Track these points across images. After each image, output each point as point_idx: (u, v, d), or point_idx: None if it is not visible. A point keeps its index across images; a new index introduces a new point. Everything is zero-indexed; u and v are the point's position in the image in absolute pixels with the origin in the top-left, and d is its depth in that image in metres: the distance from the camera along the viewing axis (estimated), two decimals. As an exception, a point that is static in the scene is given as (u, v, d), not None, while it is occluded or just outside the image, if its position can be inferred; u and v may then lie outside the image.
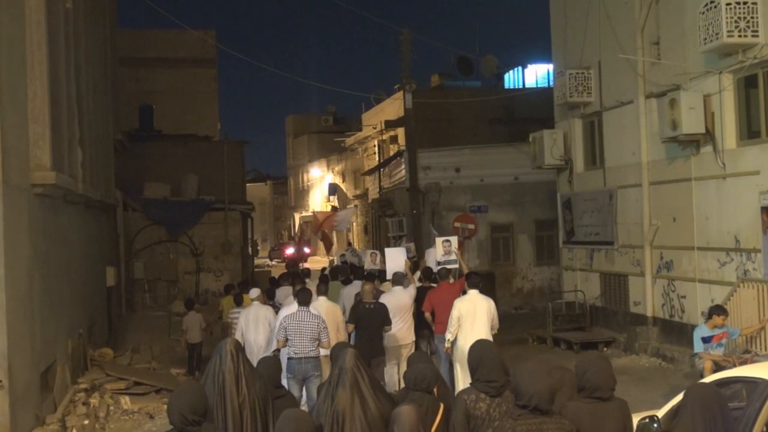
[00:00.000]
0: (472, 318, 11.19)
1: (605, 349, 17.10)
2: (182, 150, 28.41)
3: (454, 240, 15.93)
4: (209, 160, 28.48)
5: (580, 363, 5.20)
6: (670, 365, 14.92)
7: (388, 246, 21.38)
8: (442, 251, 15.48)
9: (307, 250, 46.10)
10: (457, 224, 22.96)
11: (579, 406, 5.05)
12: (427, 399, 5.87)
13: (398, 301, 12.61)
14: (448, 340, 11.31)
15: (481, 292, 11.48)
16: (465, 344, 11.15)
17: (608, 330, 17.93)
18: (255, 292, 12.97)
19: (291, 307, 10.69)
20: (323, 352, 10.16)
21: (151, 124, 31.22)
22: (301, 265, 27.12)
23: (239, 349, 5.89)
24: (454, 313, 11.28)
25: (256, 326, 12.11)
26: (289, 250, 49.72)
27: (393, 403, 5.63)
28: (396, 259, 15.11)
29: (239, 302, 14.60)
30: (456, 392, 7.76)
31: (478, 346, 5.90)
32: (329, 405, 5.63)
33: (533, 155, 20.17)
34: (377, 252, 20.17)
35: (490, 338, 11.15)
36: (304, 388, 10.14)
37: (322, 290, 12.06)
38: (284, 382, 10.31)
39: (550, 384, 4.82)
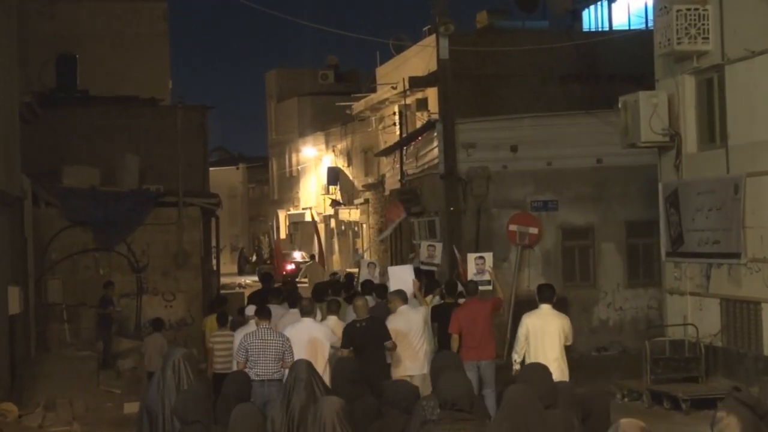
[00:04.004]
0: (541, 337, 12.82)
1: (728, 408, 17.03)
2: (118, 119, 28.49)
3: (488, 257, 17.83)
4: (156, 134, 28.55)
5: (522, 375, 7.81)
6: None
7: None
8: (474, 269, 17.54)
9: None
10: (513, 227, 22.94)
11: None
12: (402, 419, 8.14)
13: (409, 322, 14.47)
14: (516, 361, 13.13)
15: (555, 308, 13.19)
16: None
17: (732, 380, 17.81)
18: (252, 309, 14.96)
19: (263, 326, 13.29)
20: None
21: (73, 82, 31.32)
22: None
23: (188, 359, 8.89)
24: (521, 330, 13.08)
25: None
26: (290, 266, 50.47)
27: None
28: (401, 279, 16.77)
29: (223, 323, 16.96)
30: None
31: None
32: (284, 415, 8.03)
33: (624, 128, 20.11)
34: (375, 262, 22.79)
35: (564, 362, 12.91)
36: None
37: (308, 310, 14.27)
38: None
39: (468, 387, 7.40)
